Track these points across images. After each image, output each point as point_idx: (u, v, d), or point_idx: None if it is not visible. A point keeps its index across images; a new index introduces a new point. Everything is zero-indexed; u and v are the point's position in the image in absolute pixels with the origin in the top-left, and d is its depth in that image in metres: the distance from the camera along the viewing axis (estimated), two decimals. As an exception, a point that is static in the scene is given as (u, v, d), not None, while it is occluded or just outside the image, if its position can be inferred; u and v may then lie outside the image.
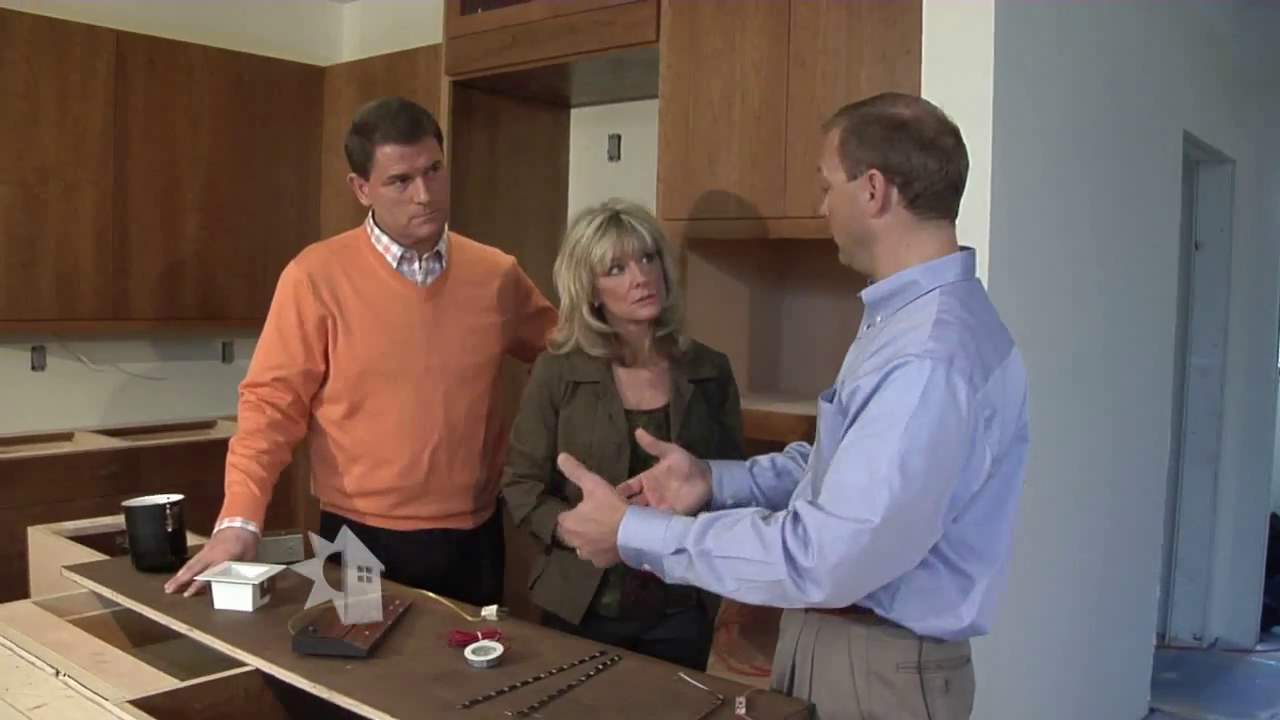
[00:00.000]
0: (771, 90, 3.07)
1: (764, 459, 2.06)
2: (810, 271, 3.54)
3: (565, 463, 1.93)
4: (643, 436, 2.02)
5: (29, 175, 4.22)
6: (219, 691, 1.80)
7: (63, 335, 4.61)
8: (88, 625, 2.16)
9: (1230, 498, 5.11)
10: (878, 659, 1.68)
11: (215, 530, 2.32)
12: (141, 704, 1.70)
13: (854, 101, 1.78)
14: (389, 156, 2.40)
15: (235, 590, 2.11)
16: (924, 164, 1.65)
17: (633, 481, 1.98)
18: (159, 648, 2.16)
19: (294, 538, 2.48)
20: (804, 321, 3.60)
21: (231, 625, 2.03)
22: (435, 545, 2.55)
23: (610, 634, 2.15)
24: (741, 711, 1.66)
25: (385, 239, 2.52)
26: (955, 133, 1.69)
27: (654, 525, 1.71)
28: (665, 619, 2.31)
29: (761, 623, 3.11)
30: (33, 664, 1.92)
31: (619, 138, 4.42)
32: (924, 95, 2.61)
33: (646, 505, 1.90)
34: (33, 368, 4.61)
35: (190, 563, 2.23)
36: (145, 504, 2.37)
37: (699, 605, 2.35)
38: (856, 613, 1.68)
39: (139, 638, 2.21)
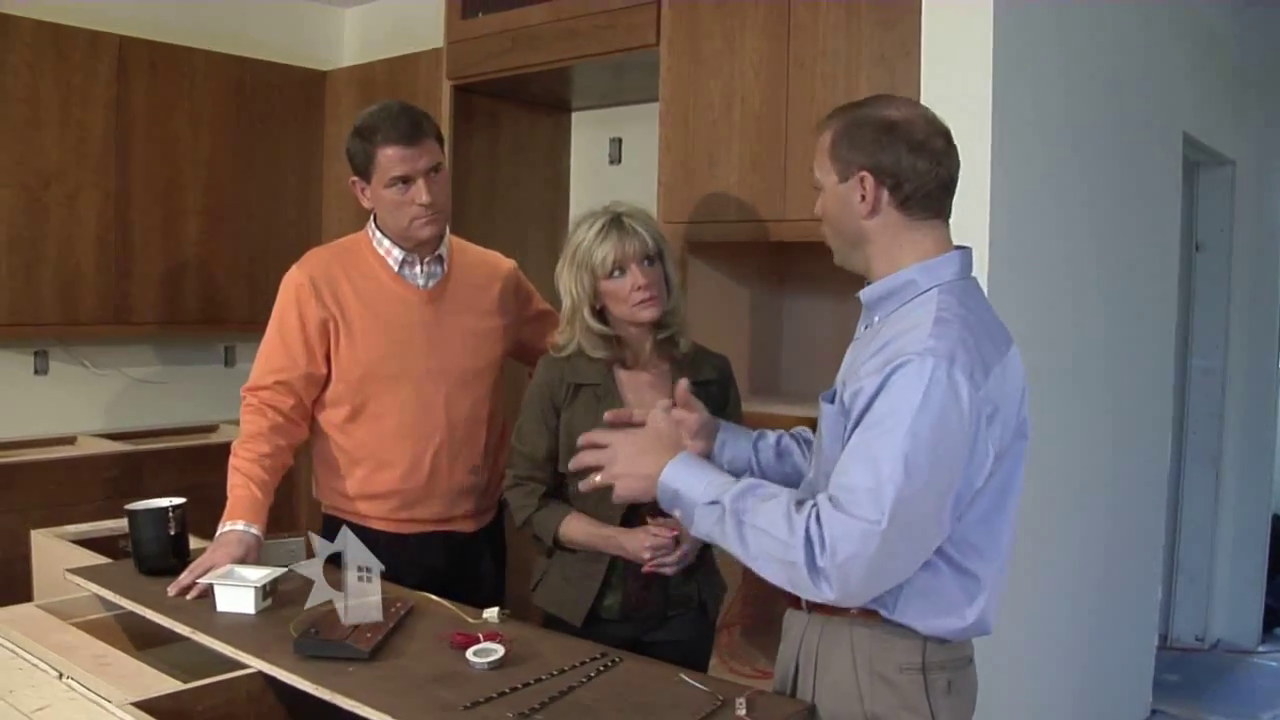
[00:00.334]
0: (771, 92, 3.07)
1: (771, 434, 2.06)
2: (810, 273, 3.54)
3: (611, 415, 1.97)
4: (682, 389, 1.98)
5: (31, 179, 4.23)
6: (221, 693, 1.81)
7: (65, 339, 4.62)
8: (91, 628, 2.17)
9: (1231, 498, 5.11)
10: (881, 659, 1.68)
11: (218, 533, 2.33)
12: (144, 706, 1.71)
13: (846, 103, 1.79)
14: (390, 158, 2.41)
15: (238, 593, 2.12)
16: (914, 165, 1.66)
17: (637, 411, 1.99)
18: (162, 650, 2.17)
19: (296, 541, 2.49)
20: (804, 323, 3.61)
21: (234, 628, 2.03)
22: (437, 548, 2.56)
23: (612, 636, 2.15)
24: (742, 712, 1.66)
25: (387, 242, 2.53)
26: (946, 134, 1.70)
27: (700, 473, 1.72)
28: (667, 621, 2.31)
29: (763, 624, 3.12)
30: (36, 666, 1.92)
31: (619, 141, 4.43)
32: (923, 97, 2.62)
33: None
34: (35, 372, 4.62)
35: (193, 566, 2.24)
36: (148, 507, 2.38)
37: (700, 607, 2.35)
38: (860, 613, 1.69)
39: (141, 640, 2.21)
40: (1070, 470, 3.31)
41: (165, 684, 1.82)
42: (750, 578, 2.55)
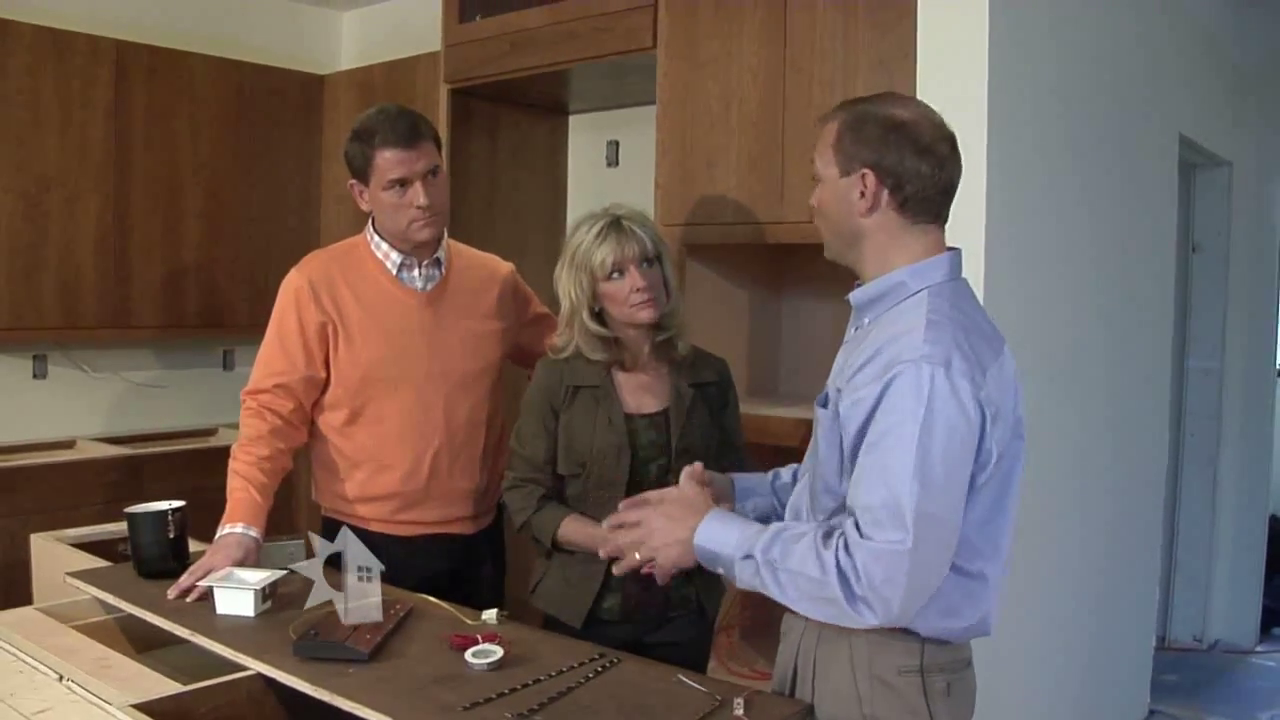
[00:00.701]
0: (768, 95, 3.08)
1: (785, 472, 2.06)
2: (808, 275, 3.54)
3: (626, 503, 1.91)
4: (696, 471, 1.91)
5: (31, 184, 4.23)
6: (222, 695, 1.82)
7: (64, 343, 4.62)
8: (91, 631, 2.17)
9: (1229, 499, 5.12)
10: (879, 662, 1.68)
11: (217, 536, 2.33)
12: (145, 708, 1.71)
13: (854, 97, 1.79)
14: (388, 161, 2.42)
15: (237, 595, 2.12)
16: (917, 168, 1.66)
17: (651, 494, 1.91)
18: (162, 653, 2.18)
19: (296, 543, 2.49)
20: (802, 325, 3.61)
21: (234, 630, 2.04)
22: (436, 550, 2.56)
23: (611, 637, 2.15)
24: (740, 713, 1.67)
25: (385, 246, 2.54)
26: (951, 139, 1.70)
27: (730, 528, 1.72)
28: (666, 622, 2.31)
29: (762, 626, 3.12)
30: (37, 669, 1.93)
31: (617, 144, 4.43)
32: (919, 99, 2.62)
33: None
34: (34, 376, 4.62)
35: (192, 568, 2.25)
36: (147, 511, 2.38)
37: (699, 609, 2.35)
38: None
39: (142, 643, 2.22)
40: (1068, 472, 3.31)
41: (165, 686, 1.82)
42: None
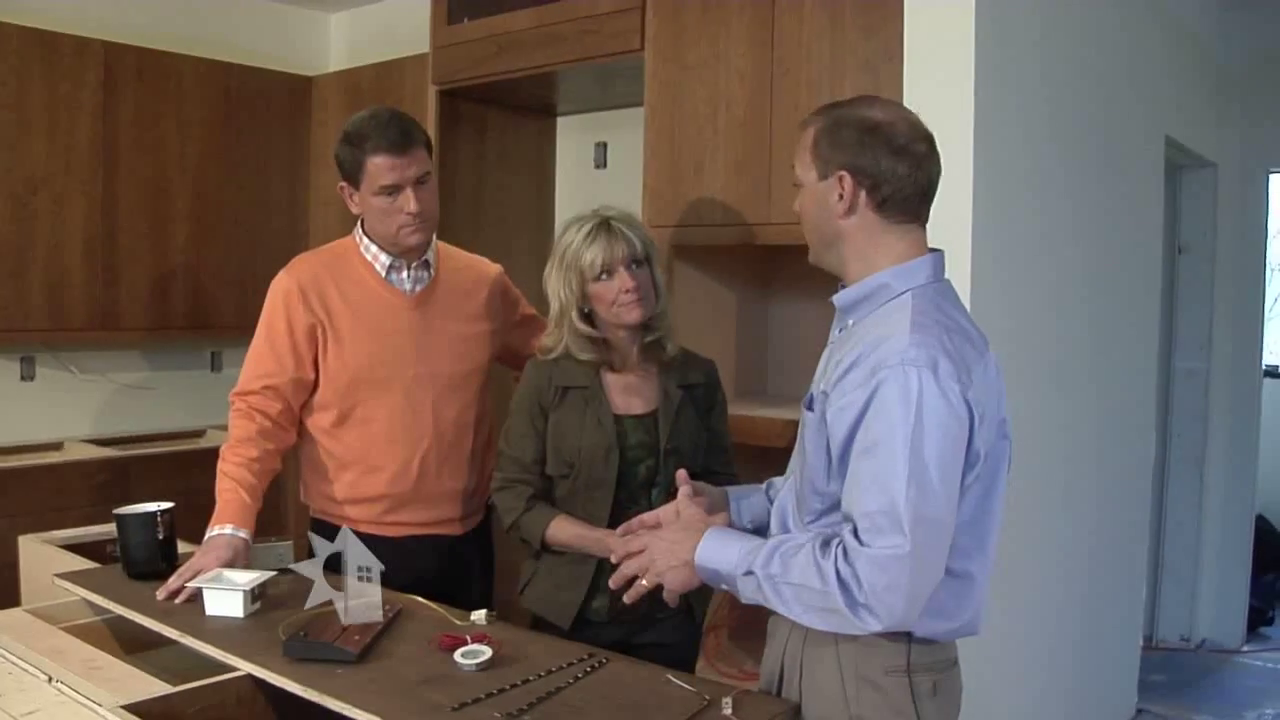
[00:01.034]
0: (756, 98, 3.09)
1: (778, 481, 2.07)
2: (796, 277, 3.55)
3: (623, 529, 1.95)
4: (681, 477, 1.96)
5: (18, 186, 4.22)
6: (211, 696, 1.82)
7: (52, 345, 4.61)
8: (80, 632, 2.16)
9: (1216, 499, 5.15)
10: (866, 662, 1.69)
11: (206, 537, 2.33)
12: (134, 709, 1.71)
13: (832, 102, 1.80)
14: (380, 167, 2.42)
15: (226, 596, 2.12)
16: (893, 169, 1.67)
17: (647, 516, 1.95)
18: (151, 654, 2.17)
19: (284, 544, 2.49)
20: (790, 327, 3.62)
21: (223, 631, 2.04)
22: (425, 551, 2.56)
23: (600, 638, 2.16)
24: (728, 712, 1.68)
25: (374, 248, 2.54)
26: (928, 139, 1.71)
27: (729, 545, 1.73)
28: (654, 623, 2.32)
29: (750, 627, 3.12)
30: (25, 670, 1.93)
31: (605, 145, 4.44)
32: (906, 102, 2.63)
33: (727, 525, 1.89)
34: (22, 378, 4.61)
35: (181, 570, 2.24)
36: (136, 512, 2.38)
37: (688, 610, 2.36)
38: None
39: (131, 644, 2.22)
40: (1055, 472, 3.33)
41: (155, 687, 1.82)
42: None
